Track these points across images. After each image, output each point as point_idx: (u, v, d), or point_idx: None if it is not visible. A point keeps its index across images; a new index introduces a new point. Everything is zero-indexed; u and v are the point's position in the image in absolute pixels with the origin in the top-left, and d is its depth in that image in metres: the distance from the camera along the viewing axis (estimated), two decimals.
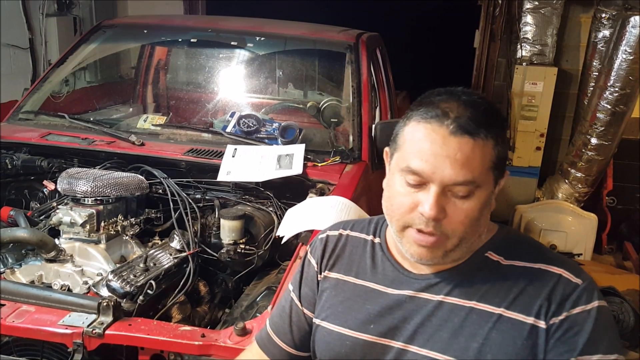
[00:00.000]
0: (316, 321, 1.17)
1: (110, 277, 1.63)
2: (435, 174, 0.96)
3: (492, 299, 1.02)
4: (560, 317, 0.98)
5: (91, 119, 2.72)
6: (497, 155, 0.99)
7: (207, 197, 2.16)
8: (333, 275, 1.17)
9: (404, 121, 1.03)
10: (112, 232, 1.95)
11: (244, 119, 2.59)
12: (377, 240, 1.17)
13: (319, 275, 1.19)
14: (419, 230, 0.99)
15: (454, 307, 1.03)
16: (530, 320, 0.99)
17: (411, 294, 1.07)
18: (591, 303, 0.99)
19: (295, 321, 1.20)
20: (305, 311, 1.20)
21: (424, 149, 0.97)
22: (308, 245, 1.26)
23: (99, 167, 2.24)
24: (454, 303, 1.04)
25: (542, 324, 0.98)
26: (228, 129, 2.56)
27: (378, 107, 3.01)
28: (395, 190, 1.02)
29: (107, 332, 1.40)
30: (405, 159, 1.00)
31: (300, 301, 1.21)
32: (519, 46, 4.46)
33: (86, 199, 1.96)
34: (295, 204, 2.00)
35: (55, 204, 2.08)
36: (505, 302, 1.01)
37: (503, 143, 1.00)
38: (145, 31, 3.26)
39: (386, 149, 1.10)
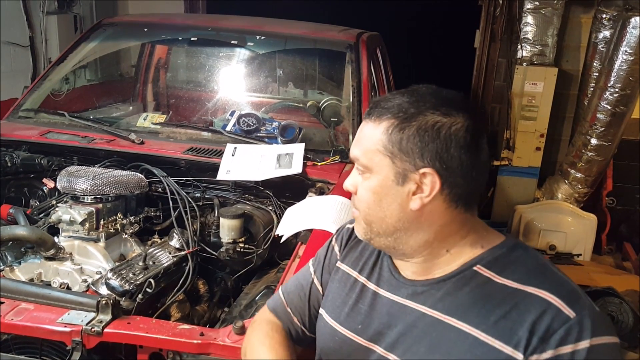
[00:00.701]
0: (320, 310, 1.19)
1: (110, 275, 1.63)
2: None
3: (472, 317, 0.96)
4: (545, 356, 0.90)
5: (91, 117, 2.72)
6: (391, 141, 0.99)
7: (206, 196, 2.16)
8: (343, 267, 1.19)
9: None
10: (111, 231, 1.95)
11: (243, 118, 2.59)
12: None
13: (338, 262, 1.21)
14: None
15: (435, 321, 1.00)
16: (507, 350, 0.92)
17: (398, 299, 1.06)
18: (581, 342, 0.89)
19: (315, 304, 1.22)
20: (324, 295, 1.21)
21: None
22: (335, 232, 1.28)
23: (98, 165, 2.24)
24: (435, 317, 1.00)
25: (519, 357, 0.91)
26: (228, 128, 2.56)
27: None
28: None
29: (105, 330, 1.40)
30: None
31: (322, 286, 1.22)
32: (519, 46, 4.46)
33: (86, 197, 1.96)
34: (295, 203, 2.00)
35: (54, 202, 2.08)
36: (485, 323, 0.95)
37: (407, 132, 0.97)
38: (145, 30, 3.26)
39: None
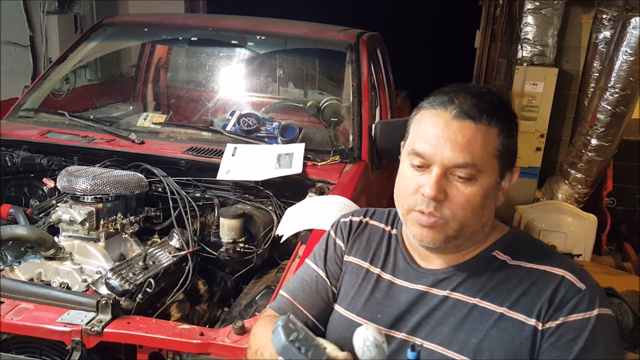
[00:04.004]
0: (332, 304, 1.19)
1: (110, 275, 1.63)
2: (436, 155, 1.00)
3: (496, 297, 1.03)
4: (557, 322, 0.99)
5: (91, 117, 2.72)
6: (502, 144, 1.01)
7: (206, 196, 2.16)
8: (351, 259, 1.20)
9: (415, 111, 1.09)
10: (111, 230, 1.95)
11: (244, 118, 2.59)
12: (394, 231, 1.20)
13: (345, 256, 1.21)
14: (421, 212, 1.02)
15: (457, 302, 1.06)
16: (531, 321, 1.00)
17: (419, 287, 1.09)
18: (591, 311, 0.99)
19: (324, 296, 1.20)
20: (334, 289, 1.20)
21: (427, 132, 1.02)
22: (331, 227, 1.27)
23: (98, 165, 2.24)
24: (458, 298, 1.06)
25: (540, 326, 1.00)
26: (228, 128, 2.56)
27: (378, 107, 3.00)
28: (403, 175, 1.07)
29: (105, 330, 1.40)
30: (411, 143, 1.05)
31: (328, 278, 1.21)
32: (519, 47, 4.46)
33: (86, 196, 1.96)
34: (295, 203, 2.00)
35: (54, 202, 2.08)
36: (508, 301, 1.02)
37: (510, 135, 1.03)
38: (145, 29, 3.25)
39: (402, 142, 1.13)
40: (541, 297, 1.01)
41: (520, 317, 1.00)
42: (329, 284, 1.20)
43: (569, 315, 0.98)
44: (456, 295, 1.06)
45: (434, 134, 1.01)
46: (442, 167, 1.00)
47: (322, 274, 1.21)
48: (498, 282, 1.05)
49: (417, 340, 1.06)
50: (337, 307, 1.18)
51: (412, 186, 1.04)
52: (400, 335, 1.08)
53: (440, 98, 1.04)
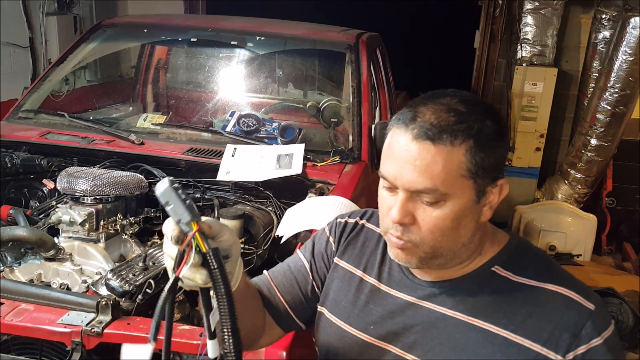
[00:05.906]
0: (320, 308, 1.17)
1: (109, 276, 1.63)
2: (397, 180, 0.95)
3: (499, 319, 0.98)
4: (581, 350, 0.94)
5: (91, 118, 2.72)
6: (473, 162, 0.93)
7: (206, 197, 2.16)
8: (343, 264, 1.16)
9: (390, 124, 1.02)
10: (111, 231, 1.95)
11: (243, 119, 2.59)
12: None
13: (335, 257, 1.18)
14: (392, 234, 0.99)
15: (458, 322, 1.00)
16: (536, 347, 0.95)
17: (414, 300, 1.05)
18: (607, 330, 0.96)
19: (302, 286, 1.18)
20: (315, 284, 1.18)
21: (391, 153, 0.97)
22: (327, 224, 1.24)
23: (98, 166, 2.24)
24: (458, 318, 1.01)
25: (552, 355, 0.94)
26: (228, 129, 2.56)
27: (378, 107, 3.01)
28: (379, 194, 1.02)
29: (105, 331, 1.40)
30: (381, 162, 1.00)
31: (311, 272, 1.18)
32: (519, 47, 4.47)
33: (85, 197, 1.96)
34: (295, 204, 2.00)
35: (54, 203, 2.08)
36: (513, 324, 0.97)
37: (487, 147, 0.94)
38: (145, 30, 3.26)
39: None
40: (549, 320, 0.96)
41: (526, 342, 0.95)
42: (310, 277, 1.18)
43: (590, 340, 0.94)
44: (456, 314, 1.01)
45: (395, 156, 0.95)
46: (406, 191, 0.94)
47: (307, 265, 1.19)
48: (501, 302, 0.99)
49: (412, 358, 1.03)
50: (328, 314, 1.15)
51: (385, 207, 0.99)
52: (395, 350, 1.05)
53: (406, 113, 0.96)
